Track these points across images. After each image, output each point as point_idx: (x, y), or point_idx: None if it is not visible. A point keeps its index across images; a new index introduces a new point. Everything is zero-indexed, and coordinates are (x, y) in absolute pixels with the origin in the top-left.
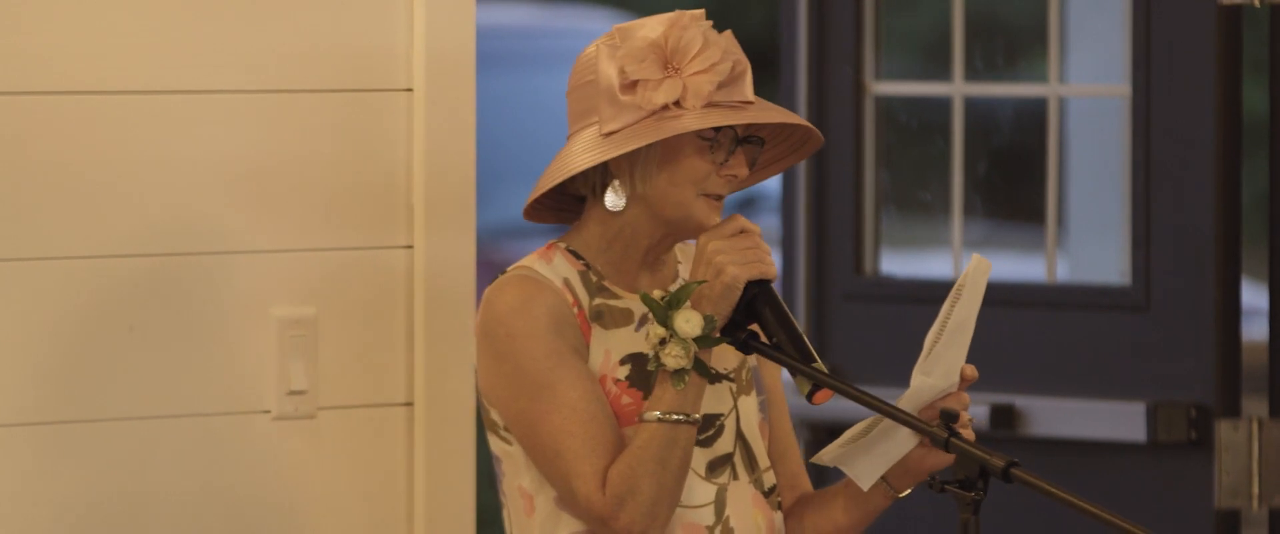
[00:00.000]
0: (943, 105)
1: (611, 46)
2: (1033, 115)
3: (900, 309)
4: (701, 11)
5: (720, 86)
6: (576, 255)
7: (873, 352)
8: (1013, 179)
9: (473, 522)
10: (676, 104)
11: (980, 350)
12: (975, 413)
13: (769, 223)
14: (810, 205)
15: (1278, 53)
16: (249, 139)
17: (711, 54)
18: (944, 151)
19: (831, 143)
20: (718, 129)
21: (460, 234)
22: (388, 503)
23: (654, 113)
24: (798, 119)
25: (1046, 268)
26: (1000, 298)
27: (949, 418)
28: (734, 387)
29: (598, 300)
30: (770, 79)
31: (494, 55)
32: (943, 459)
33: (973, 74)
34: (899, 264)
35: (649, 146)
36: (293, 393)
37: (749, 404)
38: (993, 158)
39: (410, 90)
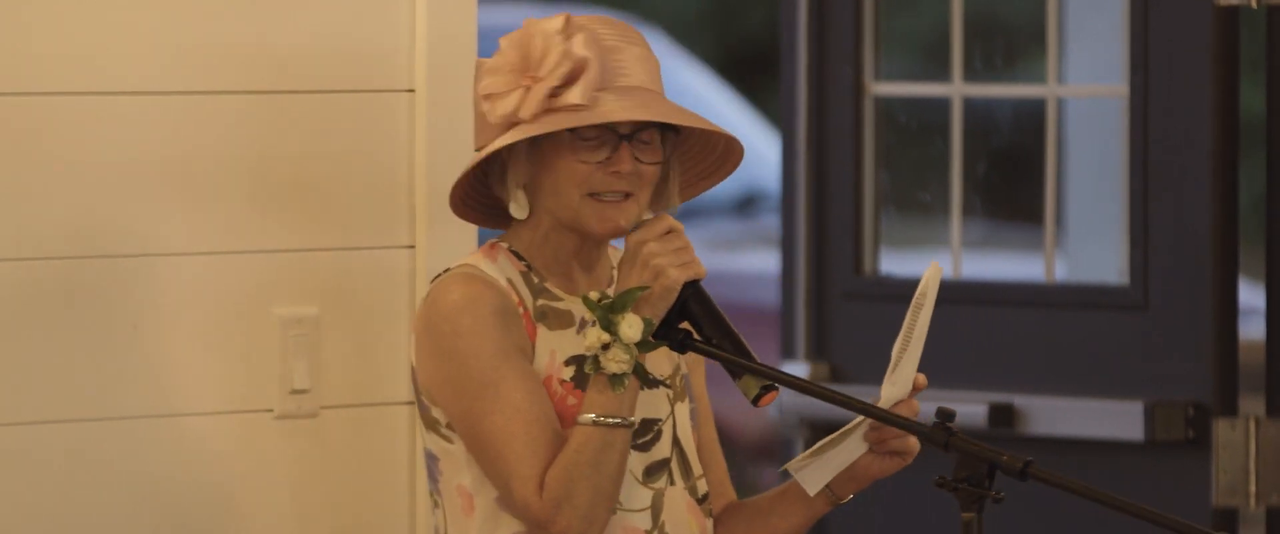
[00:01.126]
0: (942, 106)
1: (494, 56)
2: (1031, 116)
3: (900, 309)
4: (562, 16)
5: (554, 92)
6: (518, 256)
7: (872, 351)
8: (1011, 179)
9: None
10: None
11: (979, 350)
12: (974, 412)
13: (769, 223)
14: (810, 205)
15: (1274, 53)
16: (252, 140)
17: (550, 60)
18: (943, 152)
19: (831, 143)
20: (581, 131)
21: (461, 234)
22: (389, 501)
23: (507, 125)
24: (608, 118)
25: (1045, 267)
26: (999, 298)
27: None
28: (670, 393)
29: (540, 301)
30: (770, 80)
31: None
32: (888, 467)
33: (972, 75)
34: (898, 264)
35: (526, 155)
36: (295, 391)
37: (683, 411)
38: (992, 158)
39: (412, 91)
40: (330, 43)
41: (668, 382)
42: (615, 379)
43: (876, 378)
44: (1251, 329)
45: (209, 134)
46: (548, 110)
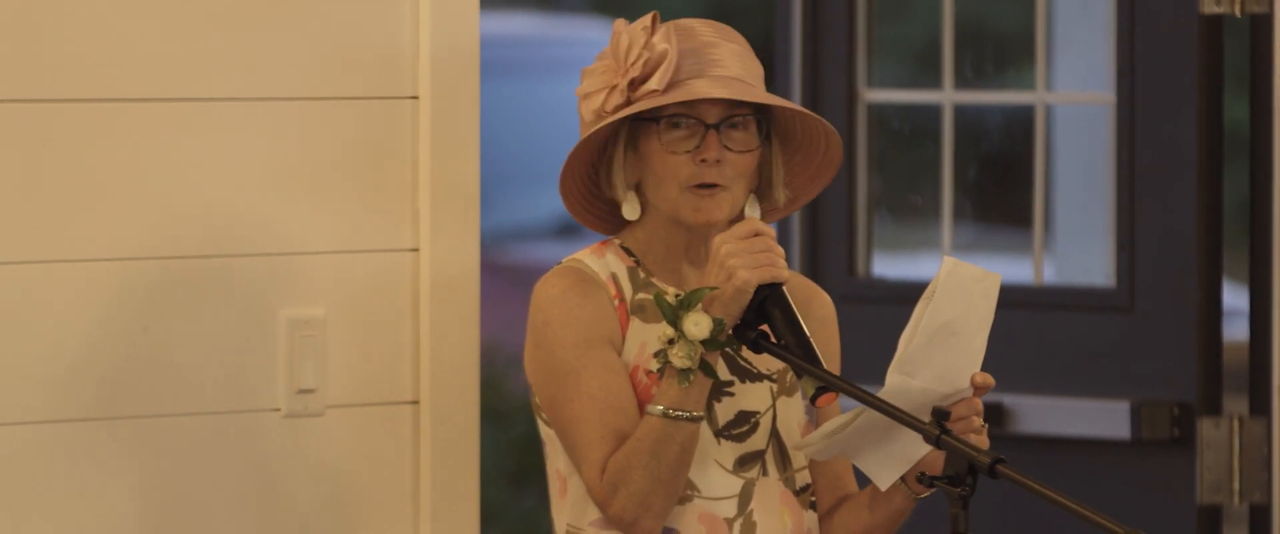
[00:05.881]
0: (933, 112)
1: (593, 62)
2: (1021, 122)
3: (892, 310)
4: (651, 14)
5: (634, 84)
6: (628, 252)
7: (865, 352)
8: (1001, 184)
9: (477, 517)
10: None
11: None
12: None
13: None
14: (805, 209)
15: (1258, 61)
16: (259, 145)
17: (633, 54)
18: (934, 157)
19: None
20: (670, 120)
21: (465, 237)
22: (394, 498)
23: (597, 121)
24: (675, 98)
25: (1033, 270)
26: None
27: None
28: (775, 387)
29: (640, 295)
30: (767, 86)
31: (497, 63)
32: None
33: (962, 82)
34: (891, 266)
35: (627, 155)
36: (302, 391)
37: (790, 405)
38: (982, 163)
39: (416, 97)
40: (337, 51)
41: (774, 376)
42: (681, 374)
43: (869, 378)
44: (1235, 330)
45: (218, 140)
46: (629, 101)
